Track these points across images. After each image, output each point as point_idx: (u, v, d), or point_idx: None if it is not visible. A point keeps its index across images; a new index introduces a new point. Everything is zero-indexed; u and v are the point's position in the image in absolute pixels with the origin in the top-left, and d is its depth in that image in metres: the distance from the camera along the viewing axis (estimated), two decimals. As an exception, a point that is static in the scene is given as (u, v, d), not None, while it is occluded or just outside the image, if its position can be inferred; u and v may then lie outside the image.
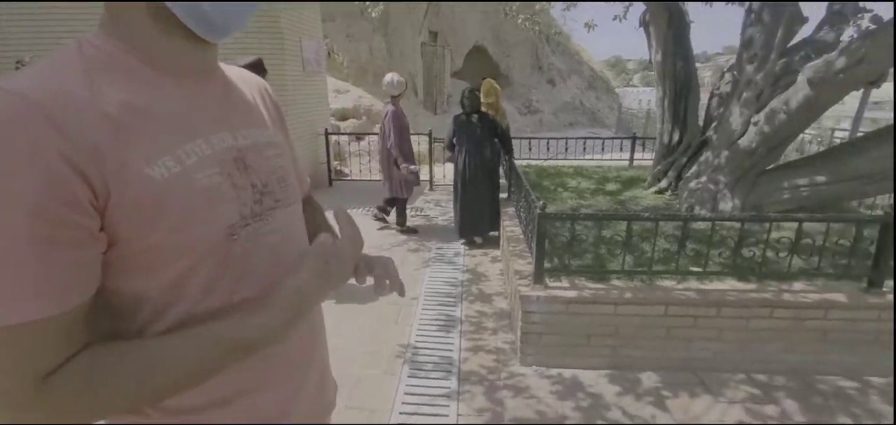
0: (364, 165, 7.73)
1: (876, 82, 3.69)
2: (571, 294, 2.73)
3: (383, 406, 2.42)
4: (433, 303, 3.55)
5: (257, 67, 2.89)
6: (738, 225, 3.26)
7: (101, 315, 0.58)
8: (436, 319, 3.31)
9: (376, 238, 4.94)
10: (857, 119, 3.90)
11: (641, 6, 4.38)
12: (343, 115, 9.55)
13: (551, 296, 2.71)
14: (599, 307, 2.74)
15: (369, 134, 8.08)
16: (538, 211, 2.52)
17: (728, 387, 2.60)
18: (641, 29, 4.40)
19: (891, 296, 2.62)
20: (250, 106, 0.71)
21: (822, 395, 2.53)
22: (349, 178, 7.58)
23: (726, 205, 3.95)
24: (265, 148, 0.69)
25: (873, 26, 2.99)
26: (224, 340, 0.57)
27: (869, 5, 3.45)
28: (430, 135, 6.70)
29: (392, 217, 5.24)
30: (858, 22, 3.43)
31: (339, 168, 7.87)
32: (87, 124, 0.50)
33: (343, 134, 8.41)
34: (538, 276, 2.70)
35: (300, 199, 0.78)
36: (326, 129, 7.14)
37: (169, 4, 0.56)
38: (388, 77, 4.68)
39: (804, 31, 3.86)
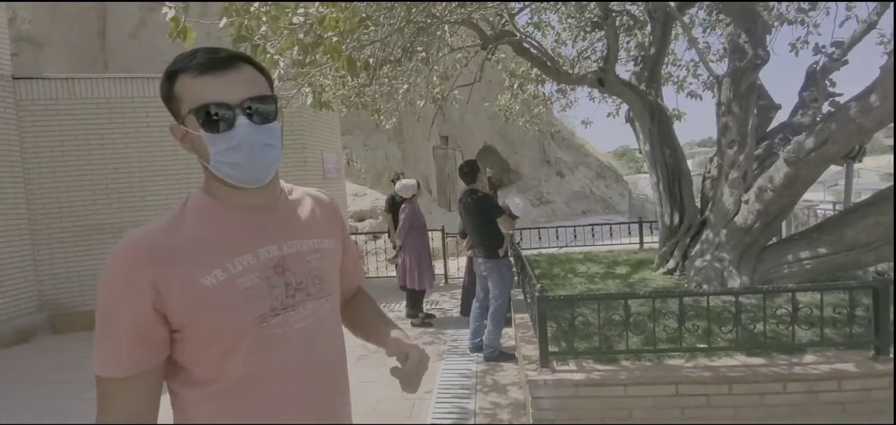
0: (380, 264, 8.00)
1: (855, 157, 3.90)
2: (579, 376, 2.77)
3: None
4: (447, 396, 3.58)
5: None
6: (744, 299, 3.32)
7: (174, 372, 0.86)
8: (449, 412, 3.32)
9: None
10: (847, 191, 4.08)
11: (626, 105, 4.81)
12: (361, 217, 10.04)
13: (559, 380, 2.75)
14: (609, 389, 2.77)
15: (385, 232, 8.44)
16: (537, 294, 2.67)
17: (749, 469, 2.52)
18: (628, 124, 4.78)
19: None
20: (305, 222, 0.97)
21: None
22: (366, 277, 7.82)
23: (734, 281, 4.01)
24: (307, 254, 0.93)
25: (833, 110, 3.27)
26: None
27: (837, 81, 3.72)
28: (442, 230, 7.00)
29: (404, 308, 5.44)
30: (829, 108, 3.72)
31: (356, 267, 8.14)
32: (164, 257, 0.80)
33: (360, 233, 8.81)
34: (544, 359, 2.78)
35: (336, 292, 1.00)
36: (344, 231, 7.52)
37: (213, 171, 0.85)
38: (400, 183, 5.25)
39: (781, 116, 4.18)
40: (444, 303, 6.15)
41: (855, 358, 2.68)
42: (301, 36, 2.38)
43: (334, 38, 2.46)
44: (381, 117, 5.56)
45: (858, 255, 3.45)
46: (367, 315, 1.16)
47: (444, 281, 7.12)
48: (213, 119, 0.80)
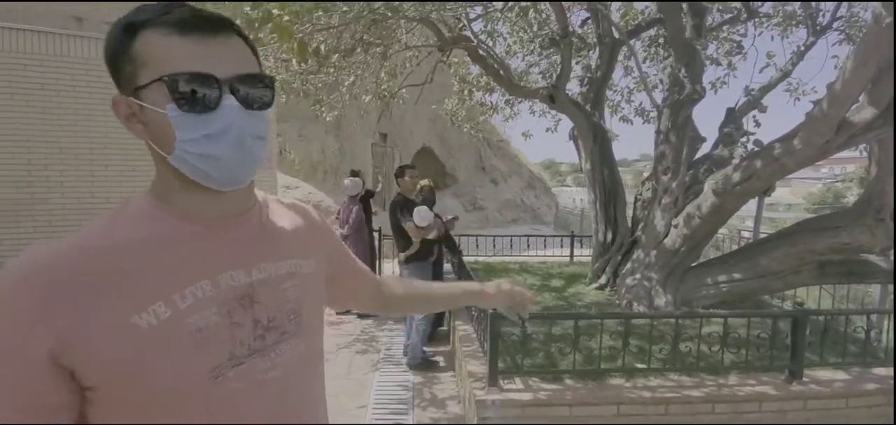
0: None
1: (768, 192, 4.31)
2: (527, 396, 2.73)
3: None
4: (383, 412, 3.38)
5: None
6: (673, 320, 3.50)
7: None
8: (387, 429, 3.14)
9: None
10: (758, 220, 4.54)
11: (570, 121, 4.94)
12: (290, 212, 9.45)
13: (507, 400, 2.69)
14: (555, 409, 2.75)
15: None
16: (491, 310, 2.58)
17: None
18: (571, 141, 4.92)
19: (812, 387, 2.86)
20: (282, 239, 0.75)
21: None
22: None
23: (660, 300, 4.24)
24: (282, 281, 0.72)
25: (757, 148, 3.59)
26: None
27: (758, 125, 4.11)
28: (379, 231, 6.74)
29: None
30: (745, 144, 4.10)
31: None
32: (75, 289, 0.57)
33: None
34: (493, 379, 2.70)
35: (318, 331, 0.79)
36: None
37: (176, 165, 0.62)
38: (348, 181, 5.27)
39: (703, 148, 4.53)
40: (378, 308, 5.96)
41: (773, 382, 2.89)
42: (248, 9, 2.08)
43: (285, 18, 2.19)
44: (322, 108, 5.22)
45: (768, 282, 3.80)
46: (422, 287, 1.14)
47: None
48: (191, 94, 0.59)
